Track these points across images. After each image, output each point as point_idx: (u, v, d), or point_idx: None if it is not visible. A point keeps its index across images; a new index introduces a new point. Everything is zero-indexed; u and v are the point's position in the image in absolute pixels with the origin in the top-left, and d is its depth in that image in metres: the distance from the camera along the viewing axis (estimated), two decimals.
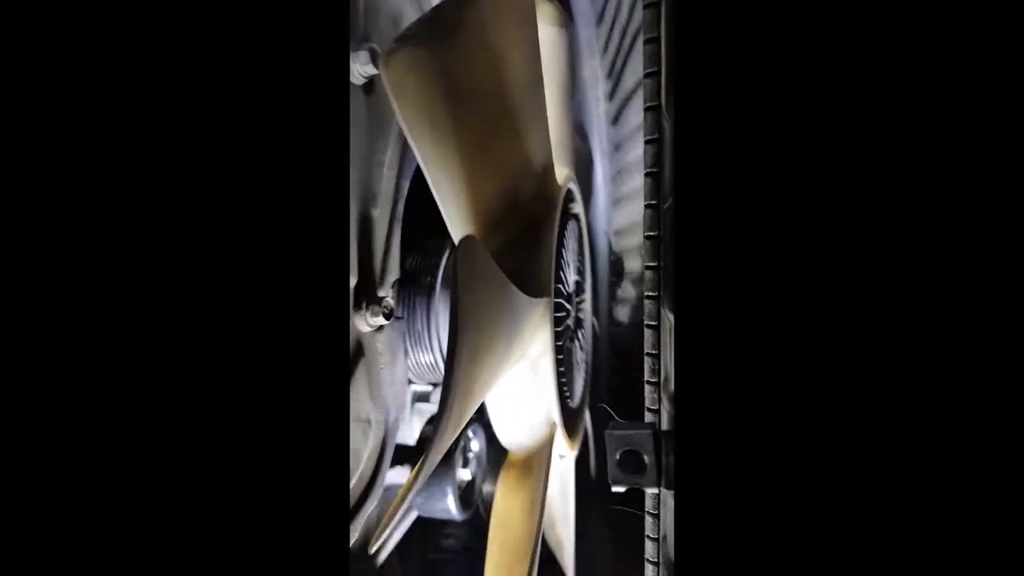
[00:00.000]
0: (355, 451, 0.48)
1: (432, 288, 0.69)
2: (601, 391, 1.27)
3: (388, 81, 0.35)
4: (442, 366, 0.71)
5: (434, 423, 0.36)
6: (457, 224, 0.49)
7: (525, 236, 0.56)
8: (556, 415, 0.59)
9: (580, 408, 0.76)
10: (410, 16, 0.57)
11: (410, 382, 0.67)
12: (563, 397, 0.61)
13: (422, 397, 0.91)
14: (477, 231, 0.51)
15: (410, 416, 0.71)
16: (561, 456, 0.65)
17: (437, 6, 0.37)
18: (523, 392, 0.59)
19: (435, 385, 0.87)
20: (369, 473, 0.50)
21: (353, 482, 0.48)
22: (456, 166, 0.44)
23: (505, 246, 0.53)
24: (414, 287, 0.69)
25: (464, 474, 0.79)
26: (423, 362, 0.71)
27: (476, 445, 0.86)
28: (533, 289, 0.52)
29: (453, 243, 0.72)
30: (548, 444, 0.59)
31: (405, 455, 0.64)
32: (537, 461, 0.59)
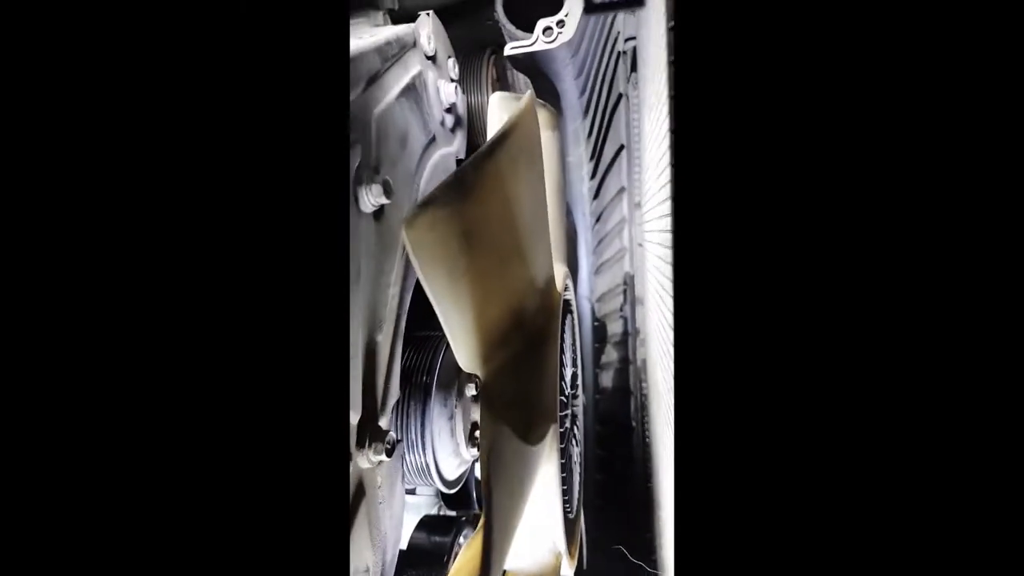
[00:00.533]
0: None
1: (428, 389, 0.67)
2: (590, 462, 1.25)
3: (410, 241, 0.34)
4: (433, 468, 0.68)
5: None
6: (464, 349, 0.48)
7: (530, 354, 0.55)
8: (562, 545, 0.57)
9: (578, 515, 0.74)
10: (415, 132, 0.57)
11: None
12: (565, 515, 0.60)
13: (409, 491, 0.86)
14: (483, 353, 0.49)
15: None
16: None
17: (458, 170, 0.37)
18: (527, 523, 0.56)
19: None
20: None
21: None
22: (468, 301, 0.44)
23: (510, 364, 0.52)
24: (409, 387, 0.66)
25: None
26: (416, 465, 0.68)
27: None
28: (541, 415, 0.51)
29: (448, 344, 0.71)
30: (554, 572, 0.56)
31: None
32: None
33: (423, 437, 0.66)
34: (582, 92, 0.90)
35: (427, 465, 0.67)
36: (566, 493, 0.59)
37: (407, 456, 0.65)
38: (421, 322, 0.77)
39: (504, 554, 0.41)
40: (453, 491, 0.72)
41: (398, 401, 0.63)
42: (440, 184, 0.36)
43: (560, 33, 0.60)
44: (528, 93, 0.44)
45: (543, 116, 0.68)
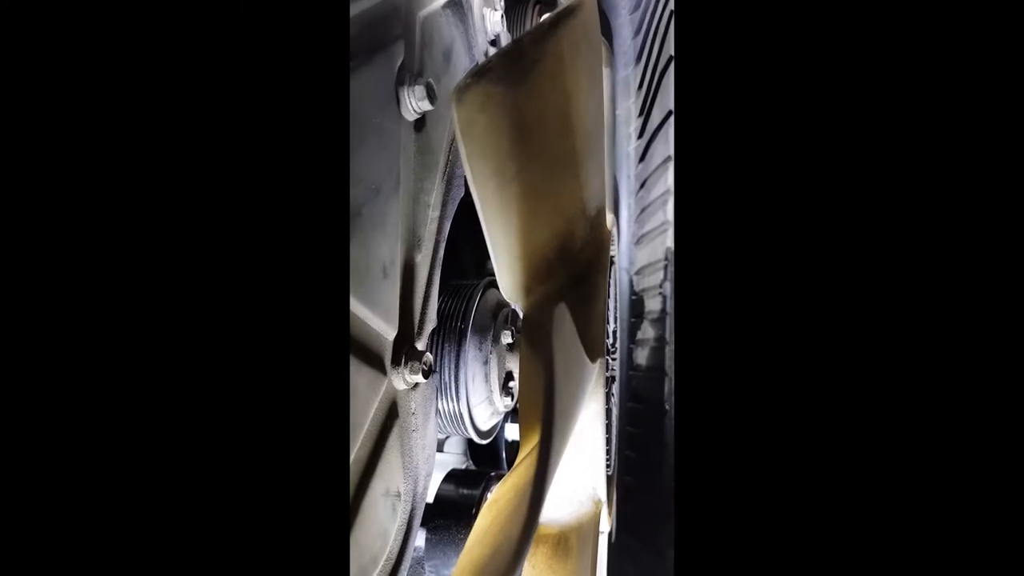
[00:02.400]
0: (383, 529, 0.42)
1: (463, 335, 0.64)
2: (623, 445, 1.21)
3: (459, 119, 0.31)
4: (466, 417, 0.66)
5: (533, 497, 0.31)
6: (509, 273, 0.45)
7: (577, 287, 0.51)
8: (602, 491, 0.53)
9: (614, 475, 0.70)
10: (459, 49, 0.54)
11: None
12: (607, 466, 0.56)
13: (438, 446, 0.85)
14: (528, 281, 0.46)
15: None
16: (601, 532, 0.59)
17: (518, 39, 0.34)
18: (567, 461, 0.53)
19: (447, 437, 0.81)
20: (396, 553, 0.44)
21: (380, 564, 0.41)
22: (515, 214, 0.40)
23: (557, 295, 0.49)
24: (443, 332, 0.64)
25: None
26: (448, 411, 0.65)
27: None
28: (588, 348, 0.48)
29: (487, 284, 0.68)
30: (593, 523, 0.53)
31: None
32: (578, 539, 0.53)
33: (457, 382, 0.63)
34: (637, 31, 0.84)
35: (460, 412, 0.64)
36: (607, 443, 0.55)
37: (440, 403, 0.63)
38: (455, 273, 0.74)
39: (555, 471, 0.38)
40: (485, 442, 0.70)
41: (432, 343, 0.61)
42: (496, 53, 0.32)
43: None
44: None
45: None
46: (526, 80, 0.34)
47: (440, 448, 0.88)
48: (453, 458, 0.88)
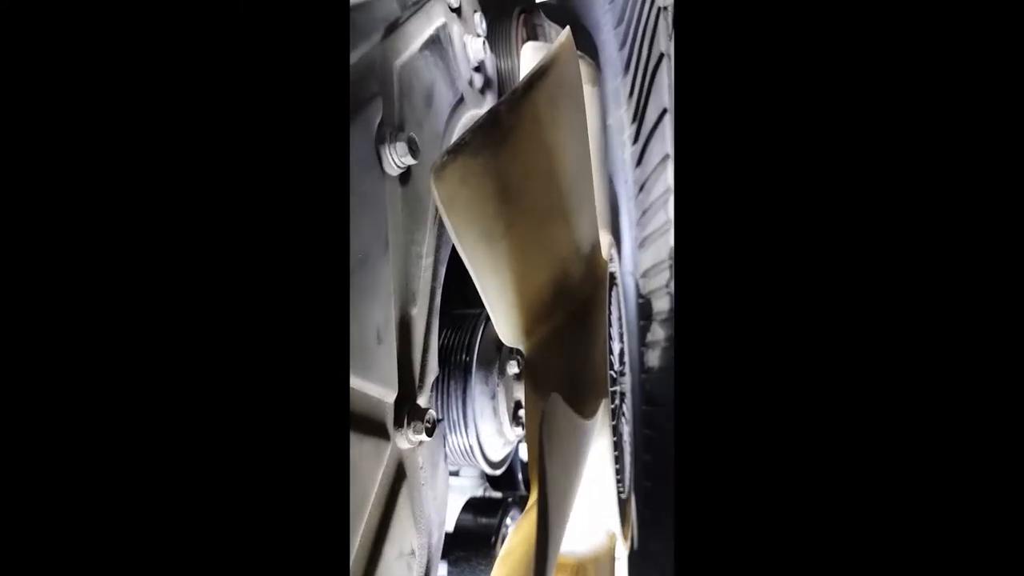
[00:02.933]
0: None
1: (468, 368, 0.64)
2: (639, 450, 1.20)
3: (440, 196, 0.30)
4: (477, 450, 0.65)
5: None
6: (505, 321, 0.44)
7: (575, 325, 0.50)
8: (616, 522, 0.53)
9: (630, 495, 0.70)
10: (441, 88, 0.52)
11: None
12: (618, 495, 0.55)
13: (452, 473, 0.85)
14: (527, 324, 0.45)
15: None
16: (617, 559, 0.59)
17: (492, 108, 0.33)
18: (581, 504, 0.53)
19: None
20: None
21: None
22: (507, 268, 0.40)
23: (555, 336, 0.48)
24: (448, 367, 0.64)
25: None
26: (459, 447, 0.65)
27: (512, 523, 0.80)
28: (590, 390, 0.47)
29: (487, 321, 0.68)
30: (609, 555, 0.52)
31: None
32: (595, 570, 0.53)
33: (465, 417, 0.63)
34: (622, 44, 0.82)
35: (471, 446, 0.64)
36: (619, 472, 0.55)
37: (449, 437, 0.63)
38: (457, 300, 0.73)
39: (561, 535, 0.37)
40: (498, 472, 0.69)
41: (437, 380, 0.60)
42: (471, 128, 0.31)
43: None
44: (565, 30, 0.39)
45: (583, 69, 0.62)
46: (504, 147, 0.33)
47: (456, 473, 0.88)
48: (470, 482, 0.88)
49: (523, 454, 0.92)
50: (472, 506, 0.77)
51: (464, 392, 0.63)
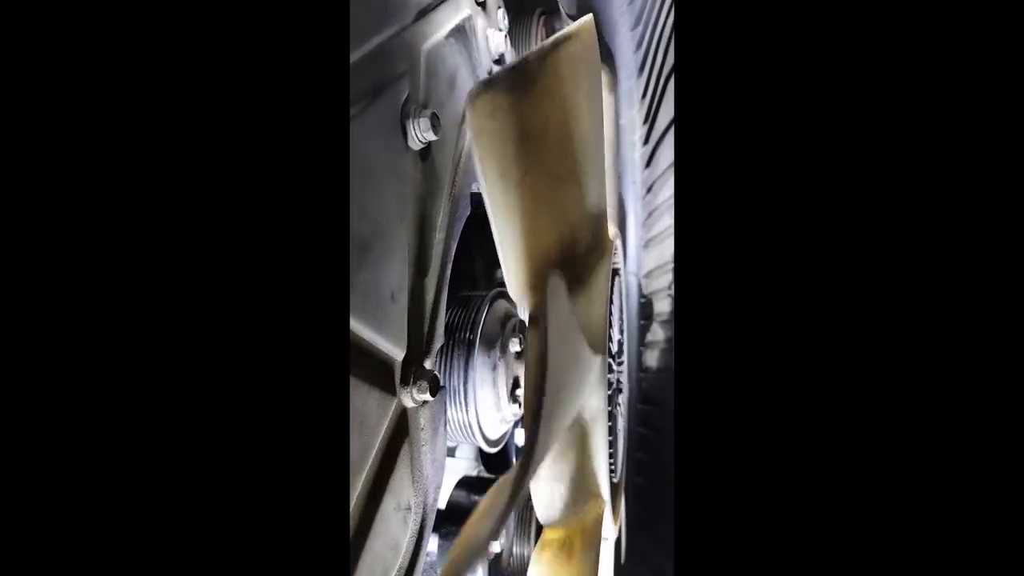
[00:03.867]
0: (395, 542, 0.44)
1: (471, 345, 0.66)
2: (633, 447, 1.22)
3: (472, 124, 0.34)
4: (475, 427, 0.68)
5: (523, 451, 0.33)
6: (515, 271, 0.46)
7: (580, 288, 0.53)
8: (606, 491, 0.55)
9: (621, 482, 0.72)
10: (464, 75, 0.55)
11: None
12: (610, 475, 0.57)
13: (448, 452, 0.87)
14: (534, 279, 0.48)
15: None
16: (605, 539, 0.61)
17: (523, 57, 0.37)
18: (570, 461, 0.55)
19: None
20: (408, 562, 0.46)
21: (392, 574, 0.44)
22: (520, 216, 0.43)
23: (557, 293, 0.50)
24: (452, 343, 0.66)
25: (493, 546, 0.75)
26: (457, 421, 0.67)
27: None
28: (590, 344, 0.49)
29: (496, 295, 0.70)
30: (596, 525, 0.54)
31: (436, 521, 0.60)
32: (581, 542, 0.55)
33: (466, 393, 0.65)
34: (638, 46, 0.85)
35: (470, 422, 0.66)
36: (611, 446, 0.57)
37: (449, 411, 0.65)
38: (464, 284, 0.76)
39: (546, 441, 0.40)
40: (494, 450, 0.72)
41: (442, 352, 0.63)
42: (503, 68, 0.35)
43: None
44: (588, 16, 0.42)
45: (603, 76, 0.65)
46: (529, 93, 0.36)
47: (451, 454, 0.90)
48: (465, 463, 0.91)
49: (519, 439, 0.94)
50: (465, 484, 0.79)
51: (466, 367, 0.65)
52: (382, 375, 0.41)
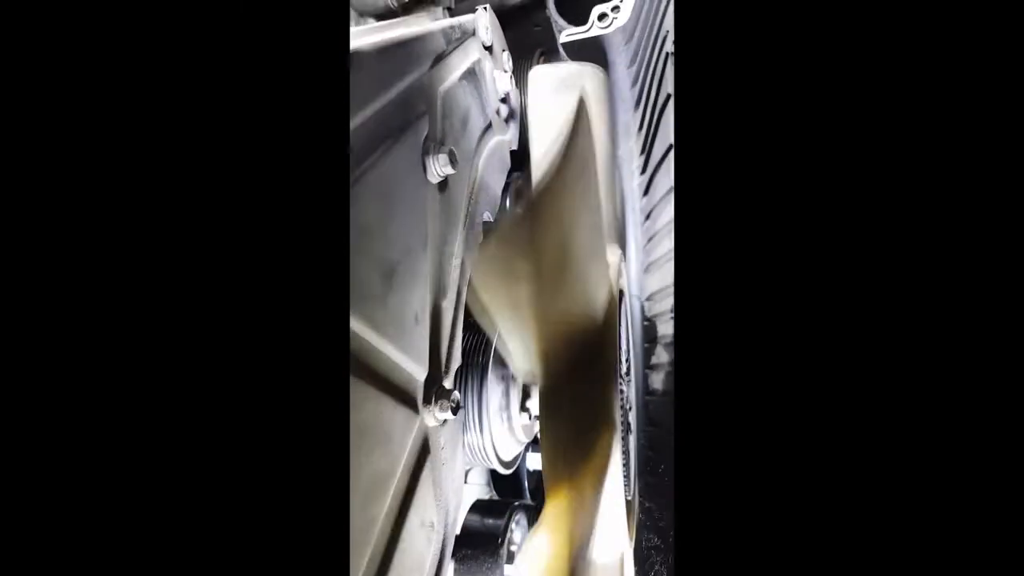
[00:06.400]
0: (420, 559, 0.45)
1: (484, 368, 0.68)
2: (641, 462, 1.21)
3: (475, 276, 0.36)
4: (489, 450, 0.69)
5: None
6: (520, 355, 0.48)
7: (589, 369, 0.54)
8: (628, 549, 0.55)
9: (634, 500, 0.72)
10: (475, 113, 0.60)
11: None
12: (625, 498, 0.58)
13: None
14: (542, 356, 0.49)
15: None
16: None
17: (520, 196, 0.40)
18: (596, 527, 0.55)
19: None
20: None
21: None
22: (526, 310, 0.45)
23: (569, 373, 0.52)
24: (466, 368, 0.68)
25: (509, 570, 0.74)
26: (471, 444, 0.69)
27: (519, 535, 0.81)
28: (604, 423, 0.51)
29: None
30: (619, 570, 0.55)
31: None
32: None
33: (480, 415, 0.67)
34: (634, 82, 0.91)
35: (484, 445, 0.68)
36: (625, 477, 0.58)
37: (465, 437, 0.66)
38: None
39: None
40: (508, 471, 0.72)
41: (458, 377, 0.65)
42: (504, 219, 0.38)
43: (615, 19, 0.61)
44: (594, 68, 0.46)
45: (595, 83, 0.68)
46: (526, 225, 0.39)
47: (464, 479, 0.90)
48: (477, 488, 0.90)
49: (530, 463, 0.95)
50: (479, 508, 0.79)
51: (480, 391, 0.67)
52: (407, 394, 0.43)
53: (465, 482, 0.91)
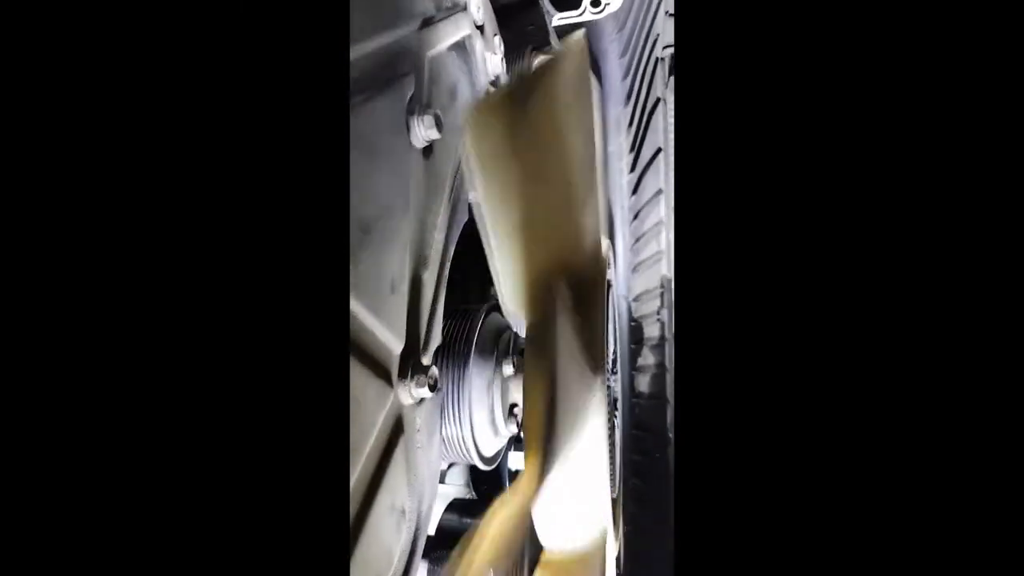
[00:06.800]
0: (387, 548, 0.41)
1: (466, 358, 0.65)
2: (628, 474, 1.19)
3: (470, 141, 0.34)
4: (469, 443, 0.65)
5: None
6: (511, 287, 0.46)
7: (576, 306, 0.53)
8: (608, 518, 0.52)
9: (619, 498, 0.70)
10: (464, 88, 0.58)
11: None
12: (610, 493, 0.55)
13: (440, 478, 0.83)
14: (532, 295, 0.48)
15: None
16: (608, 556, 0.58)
17: (517, 75, 0.38)
18: (573, 488, 0.53)
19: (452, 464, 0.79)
20: (400, 574, 0.43)
21: None
22: (518, 228, 0.43)
23: (559, 313, 0.50)
24: (447, 355, 0.65)
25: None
26: (451, 436, 0.65)
27: None
28: (591, 364, 0.49)
29: (489, 309, 0.70)
30: (599, 552, 0.52)
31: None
32: (583, 569, 0.52)
33: (460, 407, 0.64)
34: (625, 74, 0.90)
35: (464, 437, 0.64)
36: (611, 465, 0.55)
37: (444, 428, 0.63)
38: (457, 297, 0.76)
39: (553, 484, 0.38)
40: (489, 468, 0.69)
41: (437, 360, 0.62)
42: (498, 87, 0.36)
43: (608, 3, 0.60)
44: (579, 32, 0.45)
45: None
46: (525, 111, 0.37)
47: (442, 480, 0.86)
48: (455, 489, 0.87)
49: (512, 463, 0.91)
50: (456, 507, 0.75)
51: (461, 381, 0.64)
52: (380, 366, 0.40)
53: (443, 482, 0.88)
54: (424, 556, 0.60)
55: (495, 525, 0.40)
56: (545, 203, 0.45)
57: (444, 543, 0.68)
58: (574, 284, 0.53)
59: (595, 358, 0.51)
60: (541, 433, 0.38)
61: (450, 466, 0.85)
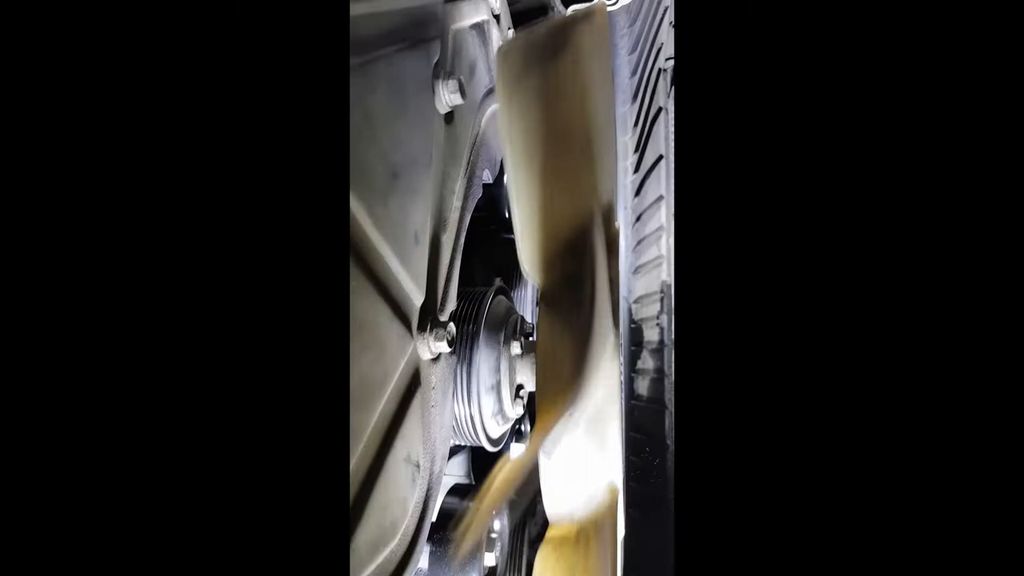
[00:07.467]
0: (403, 497, 0.41)
1: (475, 337, 0.65)
2: (628, 477, 1.17)
3: (503, 80, 0.36)
4: (477, 423, 0.65)
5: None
6: (531, 247, 0.47)
7: (590, 271, 0.54)
8: (619, 478, 0.52)
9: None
10: (481, 68, 0.60)
11: None
12: None
13: None
14: (546, 257, 0.49)
15: None
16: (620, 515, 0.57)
17: (547, 22, 0.40)
18: (585, 450, 0.53)
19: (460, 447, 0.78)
20: (412, 530, 0.42)
21: (395, 540, 0.40)
22: (542, 184, 0.44)
23: (569, 279, 0.51)
24: (456, 334, 0.65)
25: (488, 559, 0.69)
26: (459, 415, 0.65)
27: (498, 524, 0.76)
28: (615, 318, 0.50)
29: (497, 291, 0.70)
30: (610, 512, 0.51)
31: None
32: (596, 533, 0.51)
33: (469, 386, 0.63)
34: (634, 71, 0.94)
35: (472, 415, 0.64)
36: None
37: (453, 407, 0.63)
38: (468, 279, 0.76)
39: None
40: (495, 449, 0.68)
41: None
42: (528, 28, 0.38)
43: None
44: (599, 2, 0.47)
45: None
46: (555, 59, 0.39)
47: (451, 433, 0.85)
48: (457, 479, 0.85)
49: (515, 453, 0.90)
50: (458, 491, 0.74)
51: (470, 361, 0.64)
52: (402, 312, 0.41)
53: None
54: (427, 539, 0.59)
55: (502, 474, 0.40)
56: (569, 162, 0.47)
57: (446, 526, 0.67)
58: (586, 254, 0.54)
59: (615, 314, 0.52)
60: (564, 382, 0.39)
61: (451, 456, 0.84)
